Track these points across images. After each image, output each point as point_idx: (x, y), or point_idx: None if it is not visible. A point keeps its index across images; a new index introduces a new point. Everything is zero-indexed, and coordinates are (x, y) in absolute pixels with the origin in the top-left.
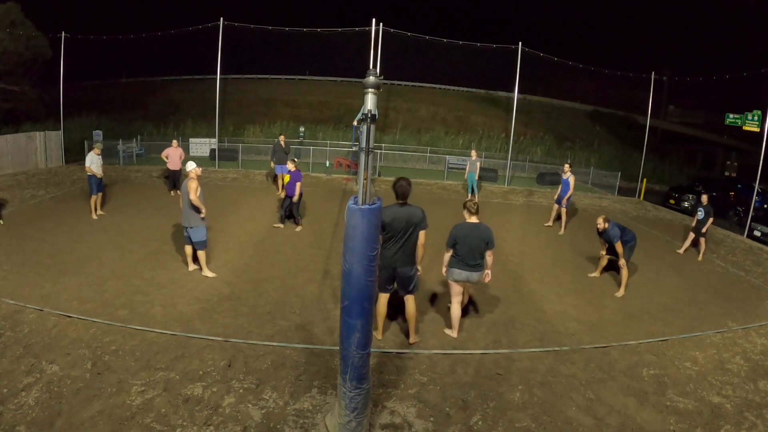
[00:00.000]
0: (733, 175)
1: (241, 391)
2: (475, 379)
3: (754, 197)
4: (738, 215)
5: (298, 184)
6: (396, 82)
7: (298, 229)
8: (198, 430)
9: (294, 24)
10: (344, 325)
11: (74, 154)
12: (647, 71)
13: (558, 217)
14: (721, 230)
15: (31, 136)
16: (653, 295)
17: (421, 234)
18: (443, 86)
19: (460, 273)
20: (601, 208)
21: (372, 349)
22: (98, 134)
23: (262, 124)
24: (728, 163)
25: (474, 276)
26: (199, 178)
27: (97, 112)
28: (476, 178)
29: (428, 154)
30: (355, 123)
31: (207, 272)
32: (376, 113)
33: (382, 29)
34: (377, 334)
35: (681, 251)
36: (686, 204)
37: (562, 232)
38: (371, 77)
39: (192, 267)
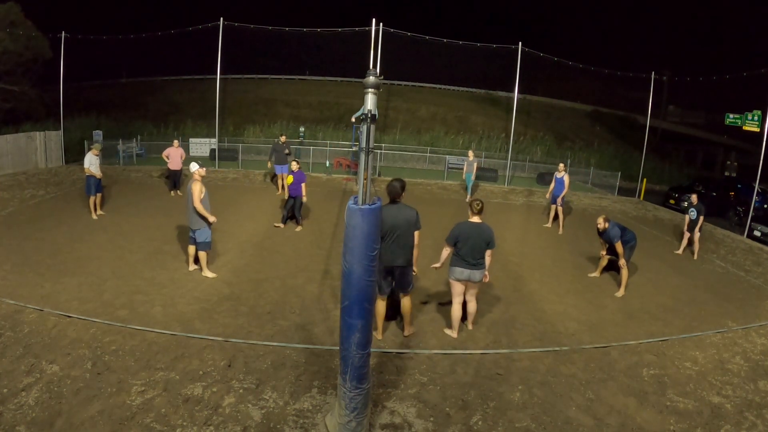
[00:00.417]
0: (733, 175)
1: (241, 391)
2: (475, 379)
3: (754, 197)
4: (738, 215)
5: (304, 184)
6: (396, 82)
7: (299, 229)
8: (198, 430)
9: (294, 24)
10: (344, 325)
11: (74, 154)
12: (647, 71)
13: (555, 217)
14: (721, 230)
15: (31, 136)
16: (653, 295)
17: (416, 234)
18: (443, 86)
19: (461, 272)
20: (601, 208)
21: (372, 349)
22: (98, 134)
23: (262, 124)
24: (728, 163)
25: (476, 274)
26: (203, 179)
27: (97, 112)
28: (473, 178)
29: (428, 154)
30: (353, 119)
31: (207, 273)
32: (376, 113)
33: (382, 29)
34: (377, 334)
35: (679, 251)
36: (686, 204)
37: (560, 231)
38: (371, 77)
39: (192, 267)
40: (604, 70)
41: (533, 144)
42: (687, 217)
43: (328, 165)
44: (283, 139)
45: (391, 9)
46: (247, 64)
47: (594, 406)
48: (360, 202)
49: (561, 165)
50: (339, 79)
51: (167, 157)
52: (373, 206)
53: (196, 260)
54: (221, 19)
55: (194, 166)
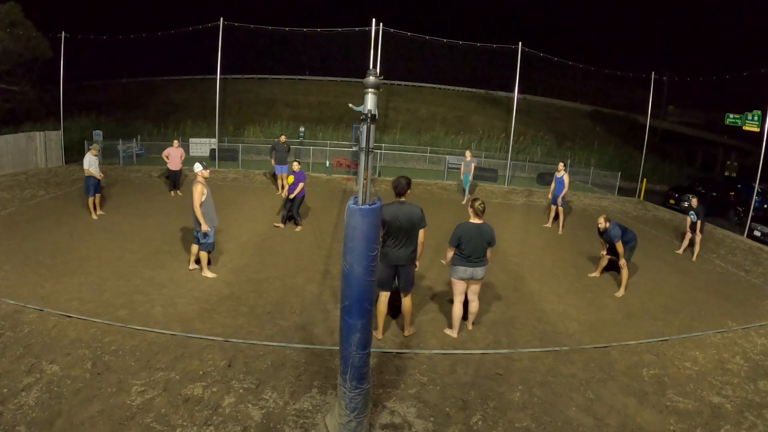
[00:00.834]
0: (733, 175)
1: (241, 391)
2: (475, 379)
3: (754, 197)
4: (738, 215)
5: (301, 184)
6: (396, 82)
7: (298, 229)
8: (198, 430)
9: (294, 24)
10: (344, 325)
11: (74, 154)
12: (647, 71)
13: (556, 217)
14: (721, 230)
15: (31, 136)
16: (653, 295)
17: (421, 232)
18: (443, 86)
19: (464, 270)
20: (602, 208)
21: (372, 349)
22: (98, 134)
23: (262, 124)
24: (728, 163)
25: (478, 272)
26: (206, 180)
27: (97, 112)
28: (471, 179)
29: (428, 154)
30: (350, 105)
31: (207, 273)
32: (376, 113)
33: (382, 29)
34: (377, 334)
35: (680, 251)
36: (686, 204)
37: (560, 231)
38: (371, 77)
39: (193, 266)
40: (604, 70)
41: (533, 144)
42: (688, 219)
43: (328, 165)
44: (282, 138)
45: (391, 9)
46: (247, 64)
47: (594, 406)
48: (360, 202)
49: (561, 164)
50: (339, 79)
51: (167, 158)
52: (373, 206)
53: (198, 260)
54: (221, 19)
55: (197, 167)
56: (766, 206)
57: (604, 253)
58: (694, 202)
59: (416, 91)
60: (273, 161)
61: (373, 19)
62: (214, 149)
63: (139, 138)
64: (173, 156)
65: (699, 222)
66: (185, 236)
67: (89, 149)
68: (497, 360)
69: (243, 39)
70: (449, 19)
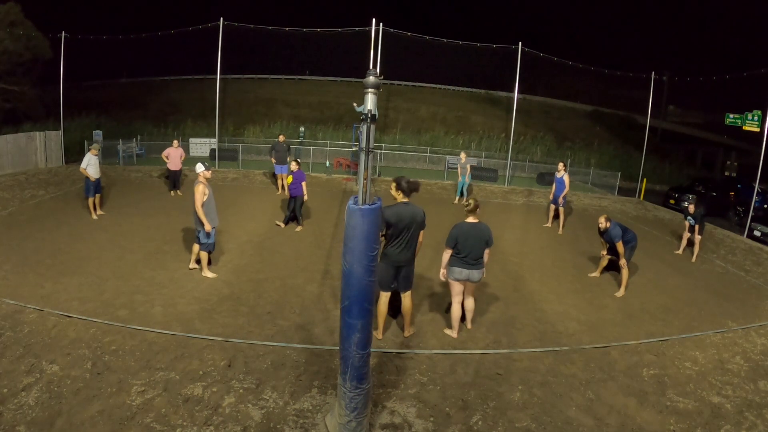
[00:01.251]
0: (733, 175)
1: (241, 391)
2: (475, 379)
3: (754, 197)
4: (738, 215)
5: (304, 183)
6: (396, 82)
7: (299, 229)
8: (198, 430)
9: (294, 24)
10: (344, 325)
11: (74, 154)
12: (647, 71)
13: (556, 217)
14: (721, 230)
15: (31, 136)
16: (653, 295)
17: (421, 233)
18: (443, 86)
19: (460, 272)
20: (601, 208)
21: (372, 349)
22: (98, 134)
23: (262, 124)
24: (728, 163)
25: (475, 274)
26: (208, 181)
27: (97, 112)
28: (467, 180)
29: (428, 154)
30: (354, 104)
31: (207, 273)
32: (376, 113)
33: (382, 29)
34: (377, 334)
35: (679, 251)
36: (686, 204)
37: (560, 231)
38: (371, 77)
39: (193, 265)
40: (604, 70)
41: (533, 144)
42: (686, 223)
43: (328, 165)
44: (281, 138)
45: (391, 9)
46: (247, 64)
47: (594, 406)
48: (360, 202)
49: (560, 164)
50: (339, 79)
51: (167, 158)
52: (373, 206)
53: (199, 261)
54: (221, 19)
55: (199, 168)
56: (766, 206)
57: (605, 253)
58: (691, 208)
59: (416, 91)
60: (273, 159)
61: (373, 19)
62: (214, 149)
63: (139, 138)
64: (173, 156)
65: (698, 226)
66: (185, 236)
67: (89, 149)
68: (497, 360)
69: (243, 39)
70: (449, 19)
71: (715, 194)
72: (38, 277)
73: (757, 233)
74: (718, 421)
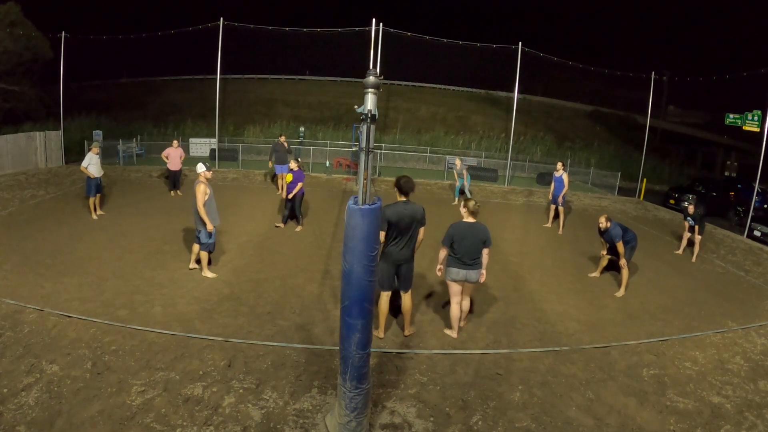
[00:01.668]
0: (733, 175)
1: (241, 391)
2: (475, 379)
3: (754, 197)
4: (738, 215)
5: (300, 183)
6: (396, 82)
7: (299, 229)
8: (198, 430)
9: (294, 24)
10: (344, 325)
11: (74, 154)
12: (647, 71)
13: (556, 217)
14: (721, 230)
15: (31, 136)
16: (653, 295)
17: (421, 231)
18: (443, 86)
19: (457, 272)
20: (601, 208)
21: (372, 349)
22: (98, 134)
23: (262, 124)
24: (728, 163)
25: (472, 274)
26: (208, 181)
27: (97, 112)
28: (466, 183)
29: (428, 154)
30: (356, 107)
31: (207, 273)
32: (376, 113)
33: (382, 29)
34: (379, 333)
35: (679, 251)
36: (686, 204)
37: (560, 231)
38: (371, 77)
39: (193, 265)
40: (604, 70)
41: (533, 144)
42: (686, 223)
43: (328, 165)
44: (282, 139)
45: (391, 9)
46: (247, 64)
47: (594, 406)
48: (360, 202)
49: (559, 164)
50: (339, 79)
51: (167, 158)
52: (373, 206)
53: (199, 261)
54: (221, 19)
55: (200, 168)
56: (766, 206)
57: (605, 253)
58: (690, 209)
59: (416, 91)
60: (271, 162)
61: (373, 19)
62: (214, 149)
63: (139, 138)
64: (173, 156)
65: (697, 226)
66: (185, 236)
67: (90, 148)
68: (497, 360)
69: (243, 39)
70: (449, 19)
71: (715, 194)
72: (38, 277)
73: (757, 233)
74: (718, 421)
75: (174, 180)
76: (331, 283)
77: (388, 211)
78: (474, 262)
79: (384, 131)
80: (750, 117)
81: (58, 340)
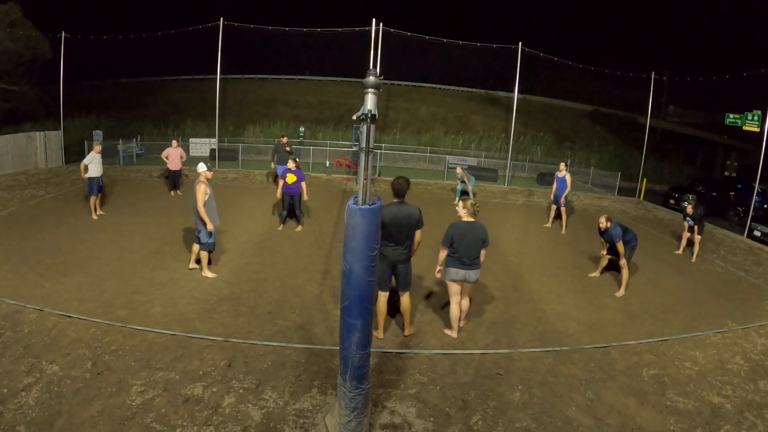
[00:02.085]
0: (733, 175)
1: (241, 391)
2: (475, 379)
3: (754, 197)
4: (738, 215)
5: (304, 183)
6: (396, 82)
7: (299, 228)
8: (198, 430)
9: (294, 24)
10: (344, 325)
11: (74, 154)
12: (647, 71)
13: (557, 216)
14: (721, 230)
15: (31, 136)
16: (653, 295)
17: (418, 232)
18: (443, 86)
19: (456, 272)
20: (601, 208)
21: (372, 349)
22: (98, 134)
23: (262, 124)
24: (728, 163)
25: (471, 274)
26: (209, 181)
27: (97, 112)
28: (468, 186)
29: (428, 154)
30: (353, 118)
31: (207, 273)
32: (376, 113)
33: (382, 29)
34: (378, 333)
35: (679, 251)
36: (685, 205)
37: (563, 231)
38: (371, 77)
39: (193, 265)
40: (604, 70)
41: (533, 144)
42: (685, 223)
43: (328, 165)
44: (284, 139)
45: (391, 9)
46: (247, 64)
47: (594, 406)
48: (360, 202)
49: (562, 164)
50: (339, 79)
51: (166, 158)
52: (373, 206)
53: (199, 260)
54: (221, 19)
55: (201, 167)
56: (766, 206)
57: (605, 253)
58: (689, 209)
59: (416, 91)
60: (274, 163)
61: (373, 19)
62: (214, 149)
63: (139, 138)
64: (173, 156)
65: (696, 227)
66: (185, 236)
67: (92, 147)
68: (497, 360)
69: (243, 39)
70: (449, 19)
71: (715, 194)
72: (38, 277)
73: (757, 233)
74: (718, 421)
75: (174, 180)
76: (331, 283)
77: (383, 212)
78: (473, 262)
79: (384, 131)
80: (750, 117)
81: (58, 340)
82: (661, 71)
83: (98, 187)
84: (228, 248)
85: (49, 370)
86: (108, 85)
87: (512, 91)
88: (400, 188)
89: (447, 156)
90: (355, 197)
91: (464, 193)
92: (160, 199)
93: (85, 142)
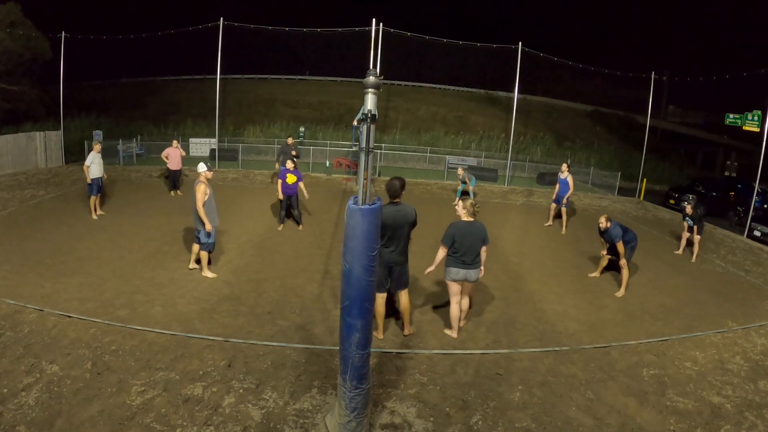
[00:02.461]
0: (733, 175)
1: (241, 391)
2: (475, 379)
3: (754, 197)
4: (738, 215)
5: (301, 183)
6: (396, 82)
7: (301, 228)
8: (198, 430)
9: (294, 24)
10: (344, 325)
11: (74, 154)
12: (647, 71)
13: (557, 216)
14: (721, 230)
15: (31, 136)
16: (653, 295)
17: (411, 232)
18: (443, 86)
19: (457, 272)
20: (601, 208)
21: (372, 349)
22: (98, 134)
23: (262, 124)
24: (728, 163)
25: (471, 274)
26: (209, 181)
27: (97, 112)
28: (469, 187)
29: (428, 154)
30: (355, 123)
31: (207, 273)
32: (376, 113)
33: (382, 29)
34: (378, 334)
35: (679, 251)
36: (685, 204)
37: (564, 231)
38: (371, 77)
39: (193, 265)
40: (604, 70)
41: (533, 144)
42: (685, 223)
43: (328, 165)
44: (290, 140)
45: (391, 9)
46: (247, 64)
47: (594, 406)
48: (360, 202)
49: (564, 165)
50: (339, 79)
51: (166, 158)
52: (373, 206)
53: (199, 260)
54: (221, 19)
55: (201, 167)
56: (766, 206)
57: (605, 253)
58: (688, 209)
59: (416, 91)
60: (279, 164)
61: (373, 19)
62: (214, 149)
63: (139, 138)
64: (173, 156)
65: (696, 227)
66: (185, 236)
67: (92, 147)
68: (497, 360)
69: (243, 39)
70: (449, 19)
71: (715, 194)
72: (38, 277)
73: (757, 233)
74: (718, 421)
75: (174, 180)
76: (331, 283)
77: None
78: (474, 262)
79: (384, 131)
80: (750, 117)
81: (58, 340)
82: (661, 71)
83: (98, 187)
84: (228, 248)
85: (49, 370)
86: (108, 85)
87: (512, 91)
88: (392, 189)
89: (447, 156)
90: (355, 197)
91: (465, 194)
92: (160, 199)
93: (85, 142)
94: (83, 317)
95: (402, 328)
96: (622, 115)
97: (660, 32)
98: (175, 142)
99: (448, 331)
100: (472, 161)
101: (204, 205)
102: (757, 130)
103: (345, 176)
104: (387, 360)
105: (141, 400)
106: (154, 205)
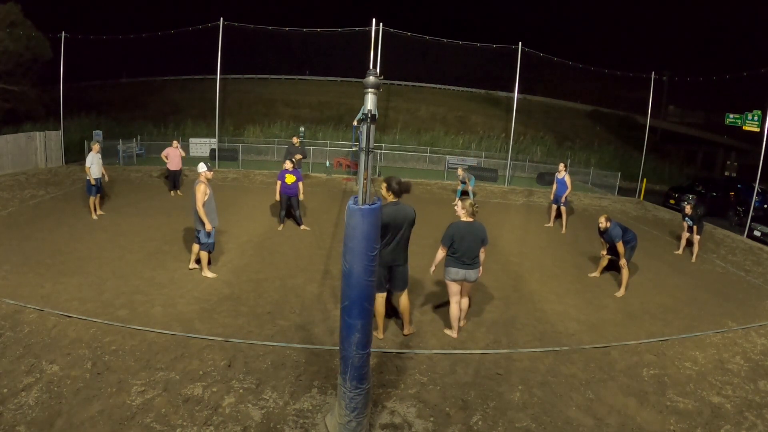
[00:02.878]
0: (733, 175)
1: (241, 391)
2: (475, 379)
3: (754, 197)
4: (738, 215)
5: (300, 183)
6: (396, 82)
7: (303, 228)
8: (198, 430)
9: (294, 24)
10: (344, 325)
11: (74, 154)
12: (647, 71)
13: (558, 216)
14: (721, 230)
15: (31, 136)
16: (653, 295)
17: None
18: (443, 86)
19: (457, 272)
20: (601, 208)
21: (372, 349)
22: (98, 134)
23: (262, 124)
24: (728, 163)
25: (471, 274)
26: (209, 181)
27: (97, 112)
28: (469, 188)
29: (428, 154)
30: (355, 123)
31: (207, 273)
32: (376, 113)
33: (382, 29)
34: (378, 334)
35: (679, 251)
36: (684, 204)
37: (563, 231)
38: (371, 77)
39: (193, 265)
40: (604, 70)
41: (533, 144)
42: (684, 223)
43: (328, 165)
44: (296, 141)
45: (391, 9)
46: (247, 64)
47: (594, 406)
48: (360, 202)
49: (561, 165)
50: (339, 79)
51: (166, 158)
52: (373, 206)
53: (199, 260)
54: (221, 19)
55: (201, 167)
56: (766, 206)
57: (605, 253)
58: (688, 209)
59: (416, 91)
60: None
61: (373, 19)
62: (214, 149)
63: (139, 138)
64: (172, 156)
65: (695, 227)
66: (185, 236)
67: (91, 146)
68: (497, 360)
69: (243, 39)
70: (449, 19)
71: (715, 194)
72: (38, 277)
73: (757, 233)
74: (718, 421)
75: (174, 180)
76: (331, 283)
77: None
78: (473, 262)
79: (384, 131)
80: (750, 117)
81: (58, 340)
82: (661, 71)
83: (96, 187)
84: (228, 248)
85: (49, 370)
86: (108, 85)
87: (512, 91)
88: (403, 187)
89: (447, 156)
90: (355, 197)
91: (464, 194)
92: (160, 199)
93: (85, 142)
94: (83, 317)
95: (402, 328)
96: (622, 115)
97: (660, 32)
98: (175, 142)
99: (448, 331)
100: (472, 161)
101: (204, 205)
102: (757, 130)
103: (345, 176)
104: (387, 360)
105: (141, 400)
106: (154, 205)
